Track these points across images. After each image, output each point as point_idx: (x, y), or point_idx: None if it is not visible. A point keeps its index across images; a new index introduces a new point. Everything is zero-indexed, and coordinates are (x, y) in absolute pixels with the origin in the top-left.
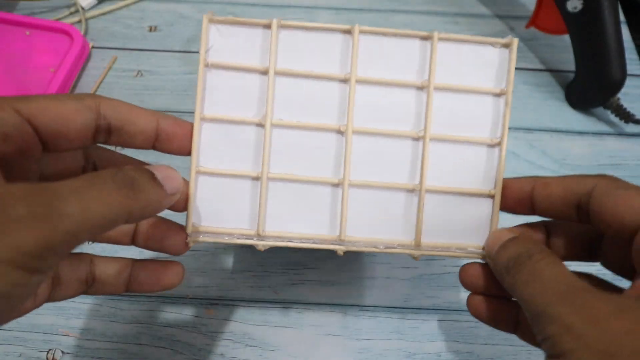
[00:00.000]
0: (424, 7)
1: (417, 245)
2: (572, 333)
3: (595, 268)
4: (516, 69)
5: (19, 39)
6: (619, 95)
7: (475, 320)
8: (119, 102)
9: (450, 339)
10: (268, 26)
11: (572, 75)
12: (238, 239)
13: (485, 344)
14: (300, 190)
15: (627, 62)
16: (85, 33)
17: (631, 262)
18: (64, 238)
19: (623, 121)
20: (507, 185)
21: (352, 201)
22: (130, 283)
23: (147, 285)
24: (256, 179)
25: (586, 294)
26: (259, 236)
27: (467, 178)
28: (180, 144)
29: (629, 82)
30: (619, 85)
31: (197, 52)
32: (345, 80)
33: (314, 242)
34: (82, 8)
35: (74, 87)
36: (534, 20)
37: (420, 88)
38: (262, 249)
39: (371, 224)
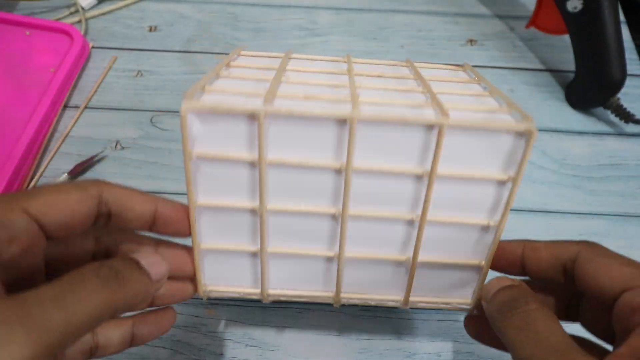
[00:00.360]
0: (424, 7)
1: (405, 303)
2: None
3: (572, 329)
4: (516, 69)
5: (19, 39)
6: (619, 95)
7: None
8: (119, 188)
9: (450, 339)
10: (253, 116)
11: (572, 75)
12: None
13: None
14: (298, 260)
15: (627, 62)
16: (85, 33)
17: (611, 326)
18: (47, 351)
19: (623, 121)
20: (499, 248)
21: (347, 268)
22: (134, 339)
23: (150, 336)
24: (255, 254)
25: (580, 356)
26: (263, 295)
27: (458, 250)
28: (177, 228)
29: (629, 82)
30: (619, 85)
31: (197, 52)
32: (340, 170)
33: (312, 299)
34: (82, 8)
35: (74, 87)
36: (534, 20)
37: (420, 176)
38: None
39: (364, 283)
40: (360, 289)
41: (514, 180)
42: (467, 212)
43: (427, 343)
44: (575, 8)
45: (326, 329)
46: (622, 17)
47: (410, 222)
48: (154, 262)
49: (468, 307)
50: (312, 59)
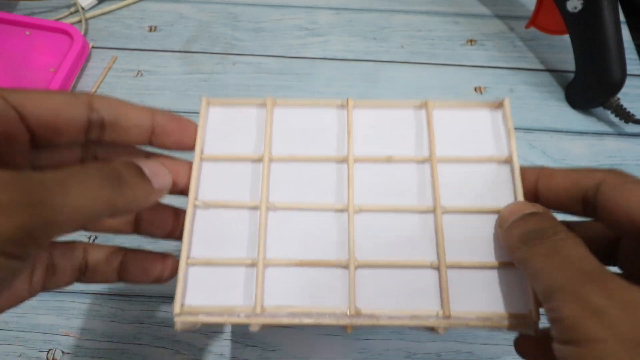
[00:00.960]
0: (424, 7)
1: (447, 315)
2: (602, 319)
3: None
4: (516, 69)
5: (19, 39)
6: (619, 95)
7: None
8: (112, 98)
9: (450, 339)
10: (262, 105)
11: (572, 75)
12: (232, 317)
13: (485, 344)
14: (301, 271)
15: (627, 62)
16: (85, 33)
17: None
18: (45, 227)
19: (623, 121)
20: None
21: (360, 277)
22: (121, 272)
23: (136, 277)
24: (252, 265)
25: (617, 280)
26: (256, 314)
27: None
28: (176, 138)
29: (629, 82)
30: (619, 85)
31: (197, 52)
32: (343, 161)
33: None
34: (82, 8)
35: (74, 87)
36: (534, 20)
37: (422, 162)
38: (257, 328)
39: (386, 295)
40: (381, 302)
41: (512, 160)
42: (477, 201)
43: (427, 343)
44: (575, 8)
45: (326, 329)
46: (622, 17)
47: (424, 214)
48: (158, 172)
49: (529, 326)
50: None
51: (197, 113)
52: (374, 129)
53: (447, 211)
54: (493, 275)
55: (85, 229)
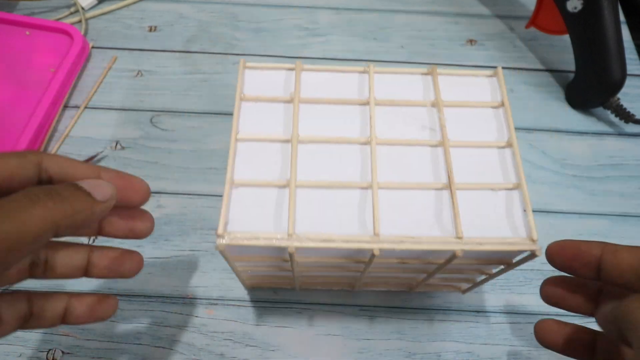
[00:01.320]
0: (424, 7)
1: (459, 237)
2: None
3: None
4: (516, 69)
5: (19, 39)
6: (619, 95)
7: (475, 320)
8: (60, 157)
9: (450, 339)
10: (292, 68)
11: (572, 75)
12: (270, 241)
13: (485, 344)
14: (329, 196)
15: (627, 62)
16: (86, 33)
17: None
18: None
19: (623, 121)
20: (575, 247)
21: (383, 202)
22: (66, 316)
23: (82, 319)
24: (284, 187)
25: None
26: (290, 237)
27: (488, 172)
28: (122, 195)
29: (629, 82)
30: (619, 85)
31: (197, 52)
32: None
33: (347, 243)
34: (82, 8)
35: (74, 87)
36: (534, 20)
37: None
38: (293, 251)
39: (404, 223)
40: (401, 230)
41: (512, 144)
42: (482, 136)
43: (427, 343)
44: (575, 8)
45: (326, 329)
46: (622, 17)
47: (439, 191)
48: (96, 185)
49: (526, 248)
50: (327, 70)
51: (197, 113)
52: (391, 91)
53: (459, 188)
54: (490, 201)
55: (42, 275)
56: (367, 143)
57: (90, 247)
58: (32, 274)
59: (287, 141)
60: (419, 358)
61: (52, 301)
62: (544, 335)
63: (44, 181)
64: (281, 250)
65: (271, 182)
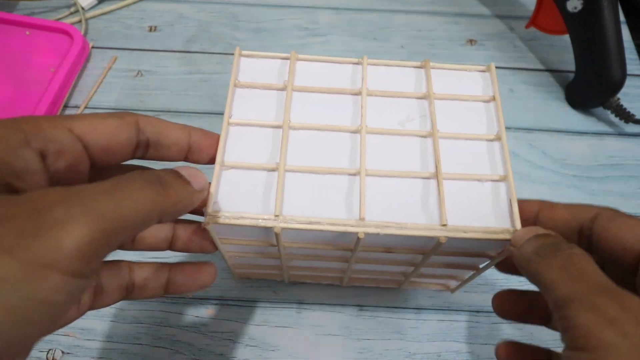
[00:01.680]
0: (424, 7)
1: (444, 224)
2: (617, 328)
3: None
4: (516, 69)
5: (19, 39)
6: (619, 95)
7: (475, 320)
8: (154, 118)
9: (450, 339)
10: (286, 58)
11: (572, 75)
12: (256, 221)
13: (485, 344)
14: (317, 180)
15: (627, 62)
16: (85, 33)
17: (636, 289)
18: (102, 237)
19: (623, 121)
20: (519, 205)
21: (370, 190)
22: (169, 286)
23: (185, 287)
24: (273, 170)
25: (632, 296)
26: (277, 218)
27: (476, 164)
28: (209, 153)
29: (629, 82)
30: (618, 85)
31: (197, 52)
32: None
33: (332, 226)
34: (82, 8)
35: (74, 87)
36: (534, 20)
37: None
38: (279, 231)
39: (390, 209)
40: (387, 216)
41: (501, 137)
42: (472, 129)
43: (427, 343)
44: (575, 8)
45: (326, 329)
46: (622, 17)
47: (427, 180)
48: (195, 174)
49: (509, 237)
50: (319, 60)
51: (197, 113)
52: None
53: (446, 178)
54: (477, 194)
55: (131, 246)
56: (357, 131)
57: (169, 265)
58: (121, 246)
59: (278, 127)
60: (419, 358)
61: (153, 271)
62: (502, 306)
63: (142, 143)
64: (268, 232)
65: (261, 165)
